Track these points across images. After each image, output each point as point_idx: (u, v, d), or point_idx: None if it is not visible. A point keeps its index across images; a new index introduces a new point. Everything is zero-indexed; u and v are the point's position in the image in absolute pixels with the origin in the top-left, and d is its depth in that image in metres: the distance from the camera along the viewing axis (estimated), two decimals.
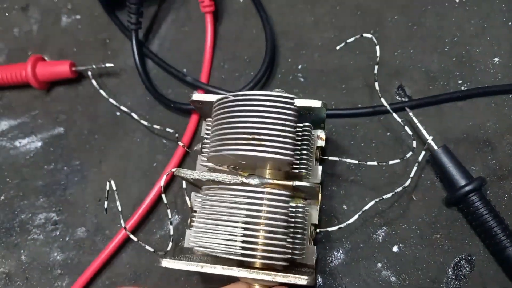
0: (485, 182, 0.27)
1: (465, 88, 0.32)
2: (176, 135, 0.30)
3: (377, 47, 0.27)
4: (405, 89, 0.32)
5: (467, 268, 0.27)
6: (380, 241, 0.28)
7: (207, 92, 0.33)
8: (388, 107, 0.28)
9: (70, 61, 0.34)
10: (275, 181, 0.22)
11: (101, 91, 0.32)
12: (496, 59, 0.32)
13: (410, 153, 0.27)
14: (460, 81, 0.32)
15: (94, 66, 0.34)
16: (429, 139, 0.28)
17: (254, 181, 0.22)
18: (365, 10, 0.35)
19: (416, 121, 0.29)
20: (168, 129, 0.31)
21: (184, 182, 0.26)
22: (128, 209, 0.31)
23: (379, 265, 0.27)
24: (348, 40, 0.28)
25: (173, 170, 0.24)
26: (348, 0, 0.35)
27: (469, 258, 0.27)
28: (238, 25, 0.35)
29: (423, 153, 0.27)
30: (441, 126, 0.30)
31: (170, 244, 0.26)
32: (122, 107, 0.33)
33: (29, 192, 0.32)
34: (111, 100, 0.33)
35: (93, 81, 0.33)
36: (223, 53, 0.35)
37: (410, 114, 0.29)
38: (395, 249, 0.28)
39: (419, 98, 0.31)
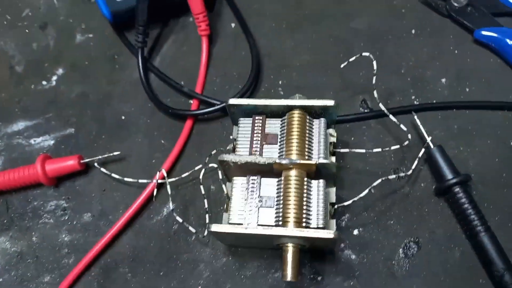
0: (470, 179, 0.32)
1: (417, 103, 0.38)
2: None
3: (374, 62, 0.33)
4: (368, 102, 0.38)
5: (415, 248, 0.32)
6: (343, 226, 0.33)
7: (201, 101, 0.39)
8: (386, 111, 0.33)
9: (78, 155, 0.35)
10: (302, 161, 0.28)
11: (113, 175, 0.34)
12: (443, 80, 0.39)
13: (407, 142, 0.32)
14: (413, 97, 0.38)
15: (100, 157, 0.35)
16: (428, 139, 0.33)
17: (285, 161, 0.28)
18: (337, 38, 0.41)
19: (418, 123, 0.34)
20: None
21: (220, 172, 0.31)
22: (129, 199, 0.35)
23: (342, 245, 0.32)
24: (350, 59, 0.34)
25: (219, 157, 0.29)
26: (323, 30, 0.41)
27: (417, 240, 0.32)
28: (229, 47, 0.42)
29: (423, 150, 0.33)
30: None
31: (206, 231, 0.31)
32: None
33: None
34: (126, 179, 0.34)
35: (102, 169, 0.34)
36: (216, 69, 0.41)
37: (415, 117, 0.34)
38: (355, 232, 0.33)
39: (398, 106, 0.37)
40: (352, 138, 0.37)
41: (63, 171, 0.35)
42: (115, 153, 0.36)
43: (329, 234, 0.26)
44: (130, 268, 0.33)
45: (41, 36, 0.43)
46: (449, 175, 0.32)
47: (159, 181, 0.33)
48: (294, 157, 0.28)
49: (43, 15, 0.44)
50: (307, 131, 0.30)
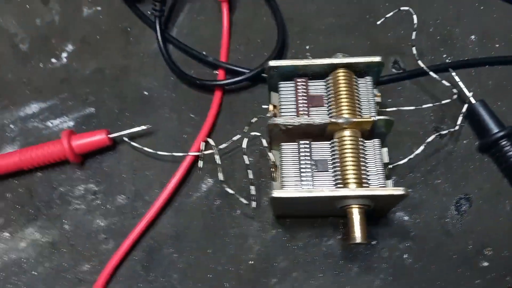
0: None
1: (449, 61, 0.37)
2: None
3: (414, 16, 0.32)
4: (400, 63, 0.37)
5: (466, 205, 0.32)
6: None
7: (227, 70, 0.37)
8: (426, 68, 0.32)
9: (106, 130, 0.33)
10: (358, 119, 0.27)
11: (146, 148, 0.32)
12: (472, 37, 0.38)
13: (455, 96, 0.31)
14: (444, 55, 0.37)
15: (129, 131, 0.33)
16: (469, 95, 0.32)
17: (341, 120, 0.26)
18: None
19: (457, 79, 0.33)
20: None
21: (264, 140, 0.29)
22: (163, 177, 0.33)
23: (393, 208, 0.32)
24: (388, 15, 0.33)
25: (269, 121, 0.27)
26: None
27: (467, 196, 0.32)
28: (249, 14, 0.39)
29: (466, 105, 0.32)
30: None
31: (254, 203, 0.30)
32: None
33: (65, 167, 0.34)
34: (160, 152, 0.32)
35: (133, 143, 0.33)
36: (238, 37, 0.38)
37: (453, 74, 0.33)
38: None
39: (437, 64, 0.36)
40: (389, 100, 0.36)
41: (91, 147, 0.32)
42: (144, 126, 0.33)
43: (398, 190, 0.25)
44: (175, 248, 0.31)
45: (45, 11, 0.40)
46: (495, 128, 0.32)
47: (194, 153, 0.31)
48: (347, 116, 0.27)
49: None
50: (355, 90, 0.29)
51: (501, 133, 0.31)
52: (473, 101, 0.33)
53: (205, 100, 0.36)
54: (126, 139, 0.33)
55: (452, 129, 0.32)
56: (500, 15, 0.39)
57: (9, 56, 0.38)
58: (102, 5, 0.40)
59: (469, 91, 0.34)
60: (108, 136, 0.33)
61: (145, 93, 0.36)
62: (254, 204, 0.30)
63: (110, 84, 0.37)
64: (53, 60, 0.38)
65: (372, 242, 0.31)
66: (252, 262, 0.30)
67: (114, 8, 0.40)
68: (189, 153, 0.32)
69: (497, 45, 0.38)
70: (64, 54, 0.38)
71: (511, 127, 0.32)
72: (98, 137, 0.32)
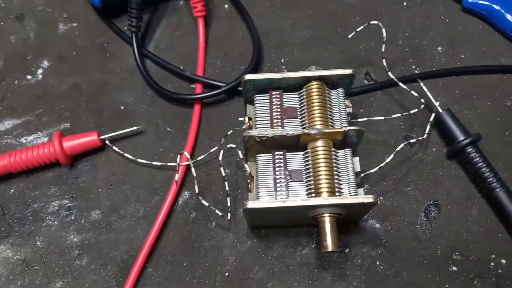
0: (481, 138, 0.33)
1: (418, 72, 0.38)
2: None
3: (383, 30, 0.33)
4: (371, 75, 0.39)
5: (435, 211, 0.33)
6: None
7: (204, 84, 0.37)
8: (395, 79, 0.34)
9: (97, 131, 0.33)
10: (330, 130, 0.28)
11: (126, 154, 0.33)
12: (439, 48, 0.40)
13: (422, 105, 0.33)
14: (413, 66, 0.39)
15: (118, 133, 0.34)
16: (436, 104, 0.34)
17: (314, 131, 0.27)
18: (332, 13, 0.41)
19: (425, 89, 0.34)
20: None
21: (240, 152, 0.30)
22: (141, 191, 0.33)
23: (365, 215, 0.32)
24: (358, 29, 0.34)
25: (244, 133, 0.28)
26: (318, 6, 0.41)
27: (436, 203, 0.33)
28: (225, 29, 0.40)
29: (433, 114, 0.33)
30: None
31: (229, 214, 0.31)
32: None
33: (39, 183, 0.34)
34: (140, 160, 0.34)
35: (115, 148, 0.34)
36: (214, 51, 0.39)
37: (421, 84, 0.35)
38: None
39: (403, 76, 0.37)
40: (361, 110, 0.37)
41: (81, 148, 0.33)
42: (134, 128, 0.34)
43: (368, 198, 0.26)
44: (149, 262, 0.31)
45: (19, 28, 0.40)
46: (461, 136, 0.33)
47: (174, 164, 0.32)
48: (319, 127, 0.28)
49: (17, 6, 0.41)
50: (328, 102, 0.30)
51: (466, 141, 0.33)
52: (440, 110, 0.34)
53: (182, 114, 0.36)
54: (108, 142, 0.34)
55: (420, 138, 0.34)
56: (464, 26, 0.41)
57: None
58: (78, 21, 0.40)
59: (437, 101, 0.36)
60: (100, 137, 0.33)
61: (121, 107, 0.37)
62: (229, 216, 0.30)
63: (87, 99, 0.37)
64: (28, 76, 0.38)
65: (346, 250, 0.31)
66: (227, 273, 0.31)
67: (90, 24, 0.40)
68: (168, 164, 0.33)
69: (463, 56, 0.39)
70: (40, 71, 0.38)
71: (476, 134, 0.33)
72: (89, 138, 0.33)
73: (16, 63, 0.38)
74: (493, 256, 0.31)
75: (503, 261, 0.31)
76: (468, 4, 0.41)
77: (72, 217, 0.33)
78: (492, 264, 0.31)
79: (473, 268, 0.31)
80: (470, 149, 0.33)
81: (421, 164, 0.34)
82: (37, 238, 0.32)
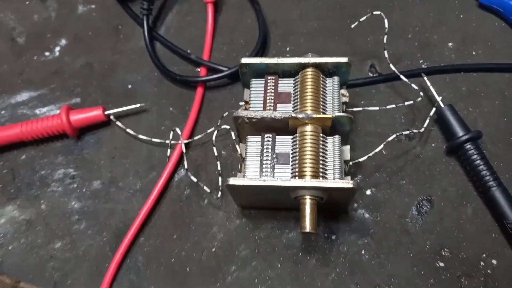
0: (481, 135, 0.32)
1: (424, 67, 0.38)
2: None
3: (386, 20, 0.33)
4: (376, 67, 0.38)
5: (428, 206, 0.32)
6: None
7: (209, 68, 0.38)
8: (397, 72, 0.33)
9: (102, 107, 0.35)
10: (318, 115, 0.28)
11: (128, 130, 0.35)
12: (450, 44, 0.39)
13: (420, 98, 0.32)
14: (421, 61, 0.38)
15: (122, 109, 0.35)
16: (439, 98, 0.33)
17: (302, 115, 0.28)
18: (342, 5, 0.41)
19: (429, 84, 0.34)
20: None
21: (233, 133, 0.30)
22: (140, 165, 0.35)
23: (355, 205, 0.32)
24: (361, 19, 0.34)
25: (234, 113, 0.29)
26: None
27: (429, 198, 0.32)
28: (234, 16, 0.41)
29: (434, 108, 0.33)
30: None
31: (219, 193, 0.31)
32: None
33: (48, 152, 0.36)
34: (141, 136, 0.35)
35: (118, 123, 0.35)
36: (222, 38, 0.40)
37: (425, 78, 0.34)
38: (368, 192, 0.33)
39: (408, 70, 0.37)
40: (362, 102, 0.37)
41: (87, 121, 0.35)
42: (137, 105, 0.36)
43: (348, 183, 0.26)
44: (142, 232, 0.33)
45: (42, 8, 0.43)
46: (460, 132, 0.32)
47: (171, 142, 0.33)
48: (309, 112, 0.28)
49: None
50: (321, 89, 0.30)
51: (466, 137, 0.32)
52: (442, 105, 0.34)
53: (185, 96, 0.38)
54: (112, 118, 0.35)
55: (416, 130, 0.33)
56: (479, 23, 0.39)
57: (6, 49, 0.41)
58: (96, 3, 0.42)
59: (443, 96, 0.35)
60: (105, 112, 0.35)
61: (129, 86, 0.38)
62: (219, 194, 0.31)
63: (97, 78, 0.39)
64: (47, 53, 0.40)
65: (332, 237, 0.32)
66: (214, 249, 0.32)
67: (107, 6, 0.42)
68: (166, 141, 0.34)
69: (474, 53, 0.38)
70: (57, 48, 0.41)
71: (477, 131, 0.32)
72: (94, 113, 0.35)
73: (37, 41, 0.41)
74: (484, 255, 0.30)
75: (494, 261, 0.30)
76: (485, 0, 0.40)
77: (75, 185, 0.35)
78: (482, 263, 0.30)
79: (461, 266, 0.30)
80: (469, 146, 0.32)
81: (418, 159, 0.34)
82: (42, 201, 0.34)
